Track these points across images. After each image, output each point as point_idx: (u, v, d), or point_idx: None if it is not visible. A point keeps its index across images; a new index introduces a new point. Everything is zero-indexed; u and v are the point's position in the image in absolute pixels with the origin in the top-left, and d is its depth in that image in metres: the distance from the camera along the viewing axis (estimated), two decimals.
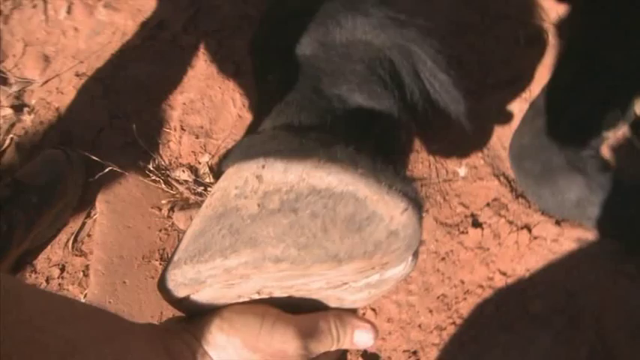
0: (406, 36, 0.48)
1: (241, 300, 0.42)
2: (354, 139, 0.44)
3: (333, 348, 0.42)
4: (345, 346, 0.43)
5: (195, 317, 0.42)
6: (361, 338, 0.43)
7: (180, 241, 0.42)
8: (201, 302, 0.42)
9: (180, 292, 0.41)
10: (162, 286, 0.41)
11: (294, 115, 0.45)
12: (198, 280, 0.39)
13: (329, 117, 0.45)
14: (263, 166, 0.40)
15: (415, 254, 0.42)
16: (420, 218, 0.39)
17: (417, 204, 0.39)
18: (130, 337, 0.37)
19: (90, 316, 0.36)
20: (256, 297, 0.42)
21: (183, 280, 0.39)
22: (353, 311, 0.46)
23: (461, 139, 0.95)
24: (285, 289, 0.42)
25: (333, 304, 0.44)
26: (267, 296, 0.42)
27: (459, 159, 0.94)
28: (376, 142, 0.48)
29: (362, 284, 0.41)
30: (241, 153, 0.43)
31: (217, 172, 0.46)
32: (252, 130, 0.47)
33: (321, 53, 0.47)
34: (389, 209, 0.37)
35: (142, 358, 0.36)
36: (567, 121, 0.85)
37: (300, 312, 0.42)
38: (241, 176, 0.41)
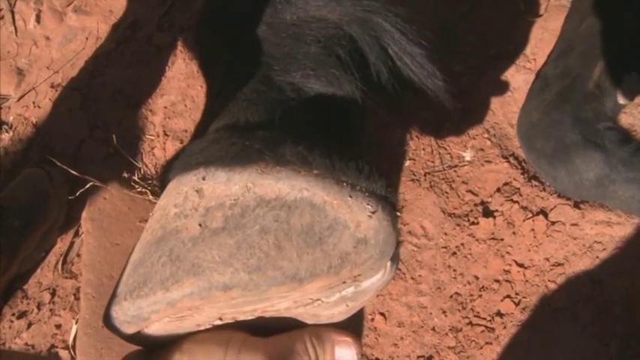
0: (366, 6, 0.41)
1: (202, 328, 0.37)
2: (310, 133, 0.37)
3: None
4: None
5: (157, 350, 0.37)
6: (343, 355, 0.37)
7: (122, 270, 0.37)
8: (157, 335, 0.36)
9: (126, 330, 0.35)
10: (107, 324, 0.36)
11: (240, 113, 0.38)
12: (141, 316, 0.34)
13: (279, 110, 0.38)
14: (203, 178, 0.34)
15: (394, 258, 0.36)
16: (394, 219, 0.33)
17: (388, 203, 0.33)
18: None
19: None
20: (219, 323, 0.36)
21: (125, 318, 0.34)
22: (340, 324, 0.41)
23: (463, 119, 0.87)
24: (249, 313, 0.36)
25: (308, 320, 0.38)
26: (231, 320, 0.37)
27: (463, 142, 0.86)
28: (337, 135, 0.41)
29: (335, 299, 0.36)
30: (180, 164, 0.37)
31: (159, 188, 0.40)
32: (198, 135, 0.41)
33: (270, 36, 0.40)
34: (353, 214, 0.32)
35: None
36: (579, 90, 0.77)
37: (272, 333, 0.37)
38: (180, 192, 0.35)
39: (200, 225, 0.33)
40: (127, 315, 0.34)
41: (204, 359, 0.34)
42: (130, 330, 0.35)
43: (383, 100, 0.43)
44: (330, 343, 0.37)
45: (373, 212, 0.32)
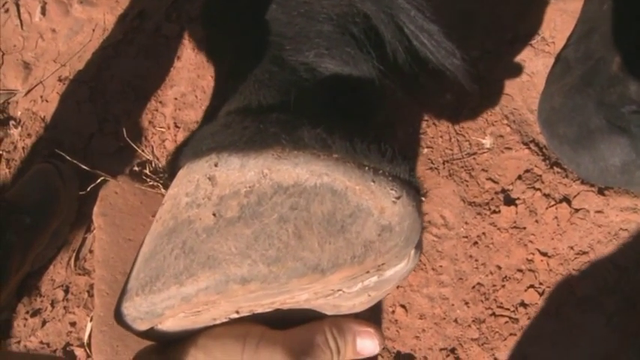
0: None
1: (218, 322, 0.35)
2: (327, 116, 0.35)
3: None
4: (348, 357, 0.36)
5: (171, 345, 0.35)
6: (365, 346, 0.36)
7: (133, 264, 0.35)
8: (171, 331, 0.35)
9: (139, 327, 0.34)
10: (119, 320, 0.34)
11: (252, 95, 0.36)
12: (155, 312, 0.32)
13: (293, 92, 0.36)
14: (216, 164, 0.32)
15: (418, 246, 0.34)
16: (419, 204, 0.32)
17: (413, 187, 0.32)
18: None
19: None
20: (236, 316, 0.35)
21: (138, 315, 0.33)
22: (356, 315, 0.39)
23: (482, 105, 0.85)
24: (267, 306, 0.35)
25: (328, 311, 0.37)
26: (248, 314, 0.35)
27: (482, 128, 0.84)
28: (356, 117, 0.39)
29: (357, 289, 0.34)
30: (191, 149, 0.35)
31: (168, 175, 0.38)
32: (208, 119, 0.39)
33: (281, 15, 0.38)
34: (377, 199, 0.30)
35: None
36: (602, 73, 0.75)
37: (291, 325, 0.35)
38: (192, 179, 0.33)
39: (214, 215, 0.31)
40: (140, 311, 0.32)
41: (220, 355, 0.33)
42: (142, 327, 0.33)
43: (400, 81, 0.41)
44: (351, 334, 0.35)
45: (398, 197, 0.30)
